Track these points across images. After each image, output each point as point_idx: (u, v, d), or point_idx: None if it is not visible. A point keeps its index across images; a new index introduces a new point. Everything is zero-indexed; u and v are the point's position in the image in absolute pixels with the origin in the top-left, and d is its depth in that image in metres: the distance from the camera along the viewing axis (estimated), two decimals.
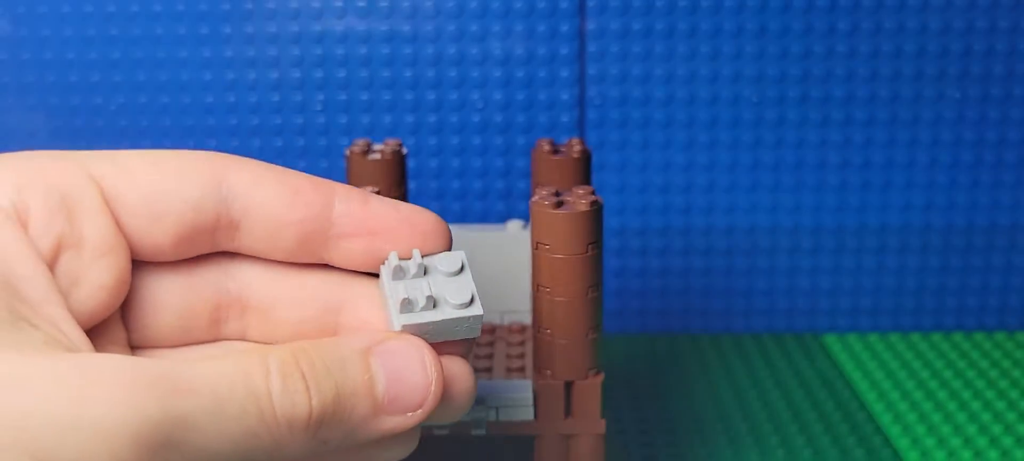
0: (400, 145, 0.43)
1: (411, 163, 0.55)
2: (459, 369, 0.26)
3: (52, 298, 0.22)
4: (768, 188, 0.56)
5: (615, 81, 0.54)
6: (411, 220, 0.26)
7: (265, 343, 0.27)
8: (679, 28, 0.54)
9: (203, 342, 0.27)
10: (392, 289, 0.25)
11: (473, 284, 0.26)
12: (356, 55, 0.54)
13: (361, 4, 0.53)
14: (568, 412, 0.35)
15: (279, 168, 0.26)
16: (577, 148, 0.42)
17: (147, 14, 0.53)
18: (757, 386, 0.52)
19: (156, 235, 0.24)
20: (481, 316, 0.26)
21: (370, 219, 0.26)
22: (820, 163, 0.55)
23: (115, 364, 0.20)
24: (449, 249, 0.27)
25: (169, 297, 0.26)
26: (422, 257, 0.26)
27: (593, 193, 0.34)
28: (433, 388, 0.24)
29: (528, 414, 0.36)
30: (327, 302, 0.26)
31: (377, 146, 0.43)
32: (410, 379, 0.24)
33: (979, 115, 0.55)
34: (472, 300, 0.26)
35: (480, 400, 0.36)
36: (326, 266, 0.27)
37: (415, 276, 0.26)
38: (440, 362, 0.25)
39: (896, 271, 0.57)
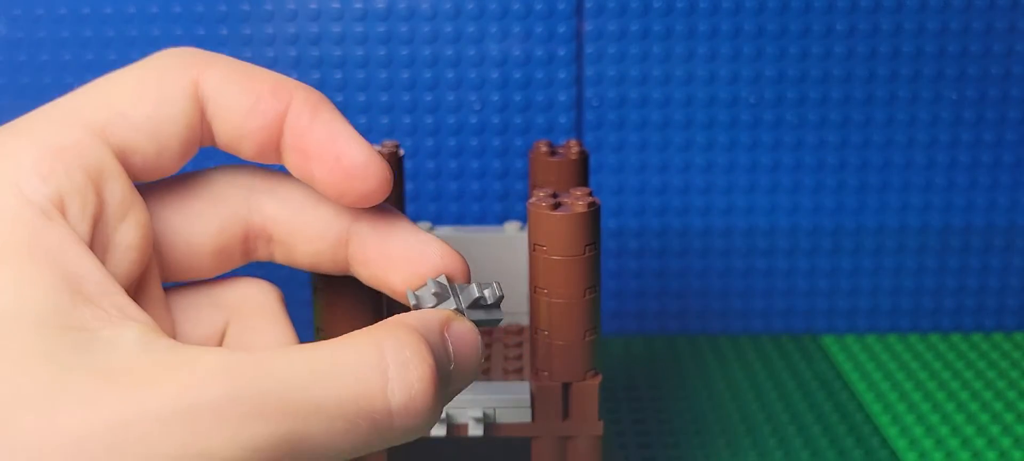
0: (397, 146, 0.42)
1: (408, 164, 0.55)
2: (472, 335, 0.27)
3: (109, 286, 0.22)
4: (766, 189, 0.56)
5: (613, 83, 0.54)
6: (338, 157, 0.26)
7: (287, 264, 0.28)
8: (676, 30, 0.54)
9: (236, 265, 0.28)
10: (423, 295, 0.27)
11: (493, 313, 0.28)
12: (353, 57, 0.54)
13: (358, 6, 0.53)
14: (566, 414, 0.35)
15: (247, 68, 0.26)
16: (575, 149, 0.42)
17: (144, 16, 0.53)
18: (755, 387, 0.52)
19: (165, 163, 0.25)
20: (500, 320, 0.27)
21: (305, 142, 0.26)
22: (818, 164, 0.55)
23: (234, 388, 0.20)
24: (378, 190, 0.27)
25: (204, 240, 0.26)
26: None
27: (590, 194, 0.34)
28: (479, 370, 0.26)
29: (525, 416, 0.35)
30: (338, 235, 0.27)
31: (375, 148, 0.43)
32: (468, 364, 0.25)
33: (976, 116, 0.55)
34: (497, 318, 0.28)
35: (477, 402, 0.36)
36: None
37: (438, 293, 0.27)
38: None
39: (894, 272, 0.57)
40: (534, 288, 0.34)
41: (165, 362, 0.21)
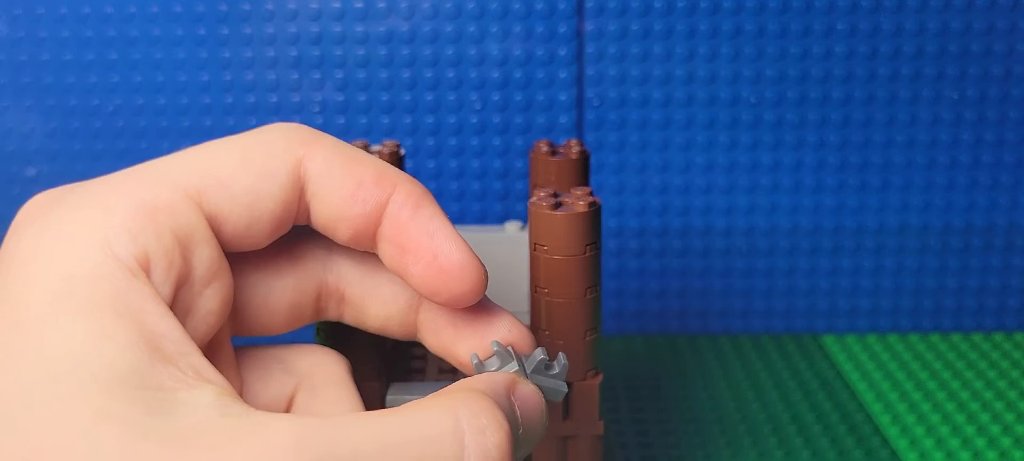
0: (398, 146, 0.42)
1: (409, 164, 0.55)
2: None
3: (187, 347, 0.22)
4: (766, 189, 0.56)
5: (613, 82, 0.54)
6: (436, 255, 0.26)
7: (355, 326, 0.28)
8: (677, 29, 0.54)
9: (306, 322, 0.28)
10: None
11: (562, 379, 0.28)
12: (354, 56, 0.54)
13: (359, 5, 0.53)
14: (566, 413, 0.35)
15: (352, 153, 0.26)
16: (575, 149, 0.42)
17: (144, 15, 0.53)
18: (755, 387, 0.52)
19: (254, 236, 0.25)
20: (565, 391, 0.28)
21: (404, 236, 0.26)
22: (818, 164, 0.55)
23: (307, 455, 0.20)
24: (473, 292, 0.27)
25: (281, 297, 0.27)
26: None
27: (591, 194, 0.34)
28: (544, 433, 0.26)
29: None
30: (410, 301, 0.28)
31: (375, 147, 0.43)
32: (534, 428, 0.25)
33: (977, 116, 0.55)
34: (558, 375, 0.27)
35: None
36: None
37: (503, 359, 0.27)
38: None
39: (894, 272, 0.57)
40: (535, 288, 0.34)
41: (239, 427, 0.21)
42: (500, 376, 0.25)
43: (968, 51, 0.54)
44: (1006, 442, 0.46)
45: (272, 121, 0.56)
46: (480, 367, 0.26)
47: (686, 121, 0.55)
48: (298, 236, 0.27)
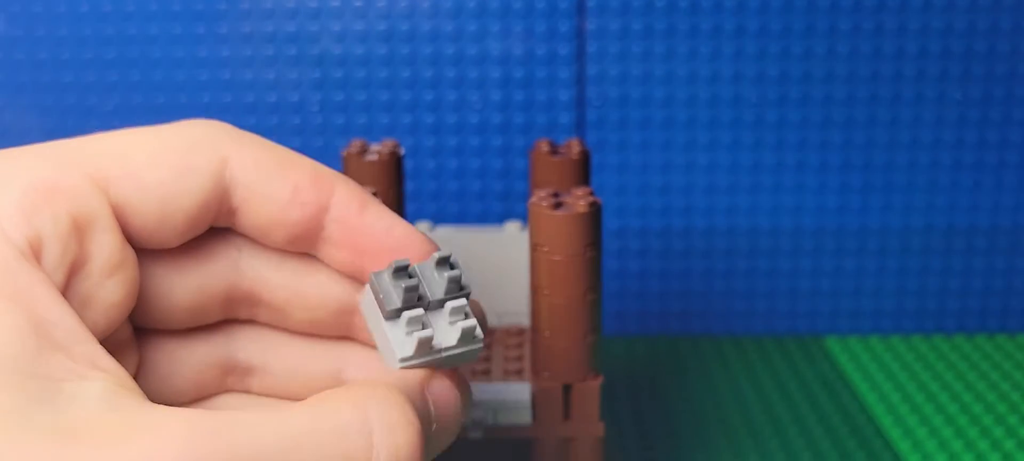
0: (397, 145, 0.42)
1: (408, 164, 0.54)
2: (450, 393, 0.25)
3: (82, 335, 0.21)
4: (769, 189, 0.55)
5: (614, 81, 0.54)
6: (401, 249, 0.25)
7: (274, 327, 0.26)
8: (679, 28, 0.53)
9: (213, 327, 0.26)
10: (381, 317, 0.24)
11: (468, 305, 0.25)
12: (353, 54, 0.54)
13: (358, 4, 0.53)
14: (567, 415, 0.35)
15: (282, 153, 0.25)
16: (576, 149, 0.42)
17: (143, 13, 0.53)
18: (758, 389, 0.51)
19: (164, 233, 0.24)
20: (481, 347, 0.25)
21: (360, 237, 0.25)
22: (821, 164, 0.55)
23: (199, 453, 0.19)
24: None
25: (182, 296, 0.25)
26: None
27: (592, 194, 0.34)
28: (459, 428, 0.25)
29: (526, 417, 0.35)
30: (342, 303, 0.26)
31: (374, 146, 0.42)
32: (449, 424, 0.24)
33: (981, 116, 0.54)
34: (472, 326, 0.24)
35: (477, 403, 0.36)
36: None
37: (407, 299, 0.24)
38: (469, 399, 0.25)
39: (898, 273, 0.57)
40: (535, 289, 0.34)
41: (129, 422, 0.20)
42: (414, 374, 0.24)
43: (972, 50, 0.53)
44: (1009, 444, 0.46)
45: (271, 120, 0.56)
46: (377, 282, 0.24)
47: (688, 120, 0.54)
48: (206, 234, 0.26)
